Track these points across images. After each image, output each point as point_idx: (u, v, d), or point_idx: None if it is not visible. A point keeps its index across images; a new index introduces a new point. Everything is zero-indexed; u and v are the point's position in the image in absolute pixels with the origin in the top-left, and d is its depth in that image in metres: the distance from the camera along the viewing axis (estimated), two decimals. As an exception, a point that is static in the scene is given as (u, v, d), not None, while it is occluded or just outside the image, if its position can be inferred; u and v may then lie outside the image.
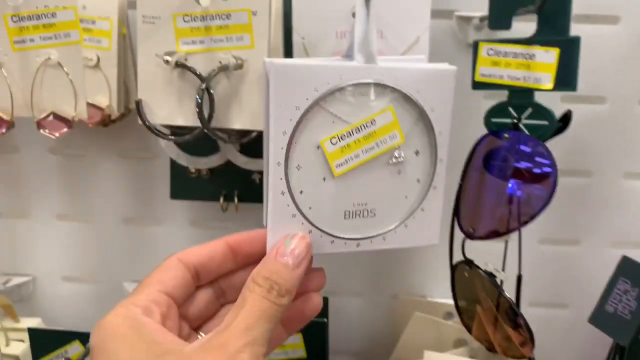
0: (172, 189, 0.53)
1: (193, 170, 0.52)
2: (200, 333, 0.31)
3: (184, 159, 0.50)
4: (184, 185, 0.52)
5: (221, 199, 0.52)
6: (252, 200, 0.53)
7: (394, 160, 0.37)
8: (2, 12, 0.41)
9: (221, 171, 0.52)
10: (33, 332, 0.48)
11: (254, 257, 0.31)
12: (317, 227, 0.37)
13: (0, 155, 0.57)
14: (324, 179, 0.37)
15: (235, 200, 0.52)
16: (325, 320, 0.51)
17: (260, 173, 0.52)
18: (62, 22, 0.41)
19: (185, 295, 0.30)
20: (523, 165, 0.39)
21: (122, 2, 0.48)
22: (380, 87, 0.36)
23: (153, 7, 0.38)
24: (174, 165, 0.52)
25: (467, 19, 0.49)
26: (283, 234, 0.37)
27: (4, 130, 0.43)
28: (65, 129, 0.43)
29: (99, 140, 0.56)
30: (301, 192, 0.37)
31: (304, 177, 0.37)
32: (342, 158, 0.37)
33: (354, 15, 0.44)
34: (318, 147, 0.36)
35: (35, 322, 0.57)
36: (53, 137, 0.43)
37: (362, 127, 0.36)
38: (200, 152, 0.50)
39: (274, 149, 0.36)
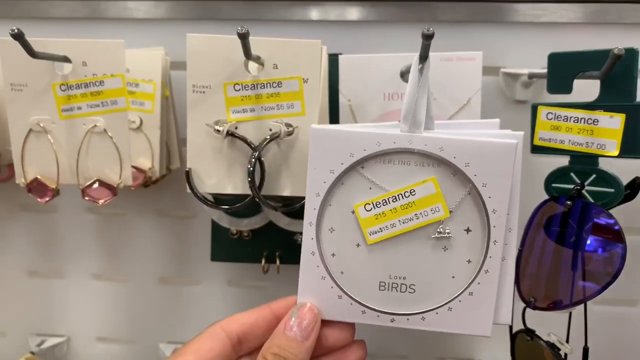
0: (213, 251, 0.52)
1: (234, 232, 0.50)
2: None
3: (225, 221, 0.49)
4: (224, 246, 0.51)
5: (263, 261, 0.51)
6: (293, 262, 0.51)
7: (437, 235, 0.35)
8: (51, 81, 0.41)
9: (262, 232, 0.50)
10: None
11: None
12: (347, 294, 0.35)
13: (38, 215, 0.57)
14: (358, 244, 0.35)
15: (277, 261, 0.51)
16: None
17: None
18: (109, 90, 0.41)
19: None
20: (588, 235, 0.37)
21: (165, 65, 0.48)
22: (423, 156, 0.34)
23: (203, 76, 0.38)
24: (215, 226, 0.51)
25: (514, 76, 0.48)
26: (312, 295, 0.35)
27: (47, 199, 0.42)
28: (110, 197, 0.42)
29: (138, 200, 0.55)
30: (333, 254, 0.35)
31: (337, 240, 0.35)
32: (377, 226, 0.35)
33: (402, 76, 0.43)
34: (353, 212, 0.35)
35: (69, 386, 0.55)
36: (97, 204, 0.42)
37: (400, 196, 0.35)
38: (242, 214, 0.49)
39: (307, 209, 0.35)
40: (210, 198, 0.41)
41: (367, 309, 0.35)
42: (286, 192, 0.40)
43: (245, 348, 0.31)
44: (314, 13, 0.50)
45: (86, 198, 0.42)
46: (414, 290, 0.36)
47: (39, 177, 0.42)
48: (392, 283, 0.35)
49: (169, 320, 0.58)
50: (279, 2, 0.51)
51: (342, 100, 0.44)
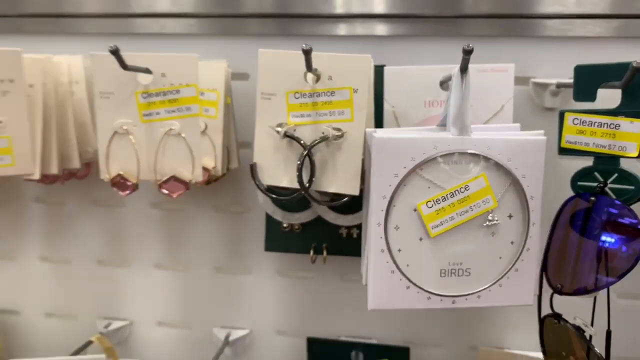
0: (267, 242, 0.57)
1: (286, 225, 0.56)
2: None
3: (279, 215, 0.55)
4: (277, 238, 0.57)
5: (311, 252, 0.56)
6: (338, 253, 0.56)
7: (488, 223, 0.40)
8: (134, 90, 0.47)
9: (311, 226, 0.56)
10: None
11: None
12: (414, 284, 0.41)
13: (108, 209, 0.63)
14: (421, 239, 0.41)
15: (324, 252, 0.56)
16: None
17: (347, 228, 0.56)
18: (184, 98, 0.47)
19: None
20: (610, 226, 0.41)
21: (227, 76, 0.54)
22: (473, 156, 0.40)
23: (270, 85, 0.44)
24: (269, 220, 0.56)
25: (543, 86, 0.52)
26: (384, 289, 0.41)
27: (128, 192, 0.48)
28: (183, 191, 0.48)
29: (197, 196, 0.61)
30: (399, 250, 0.41)
31: (402, 236, 0.41)
32: (438, 220, 0.40)
33: (441, 85, 0.48)
34: (415, 209, 0.40)
35: (133, 364, 0.61)
36: (172, 197, 0.48)
37: (456, 192, 0.40)
38: (293, 208, 0.55)
39: (374, 211, 0.40)
40: (262, 188, 0.46)
41: (432, 294, 0.40)
42: (332, 189, 0.45)
43: None
44: (342, 29, 0.56)
45: (164, 191, 0.48)
46: (470, 274, 0.41)
47: (121, 173, 0.48)
48: (451, 269, 0.41)
49: (223, 306, 0.64)
50: (306, 19, 0.56)
51: (387, 106, 0.49)
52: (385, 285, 0.41)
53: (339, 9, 0.55)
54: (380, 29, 0.55)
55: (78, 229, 0.65)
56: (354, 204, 0.48)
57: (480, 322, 0.60)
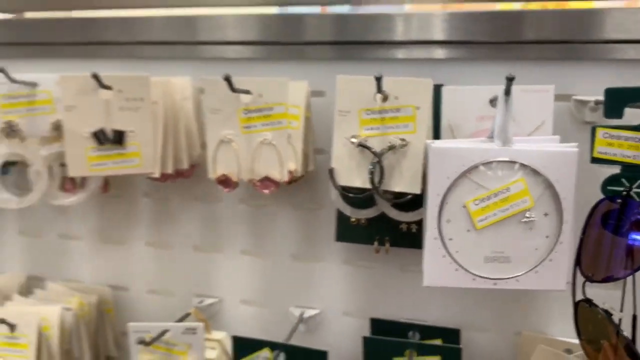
0: (338, 234, 0.67)
1: (354, 220, 0.66)
2: None
3: (348, 210, 0.65)
4: (346, 231, 0.67)
5: (375, 243, 0.66)
6: (399, 245, 0.66)
7: (525, 219, 0.49)
8: (237, 107, 0.58)
9: (376, 220, 0.65)
10: (237, 339, 0.64)
11: None
12: (462, 267, 0.50)
13: (206, 204, 0.76)
14: (468, 230, 0.50)
15: (386, 244, 0.66)
16: (461, 347, 0.62)
17: (408, 224, 0.65)
18: (276, 114, 0.58)
19: None
20: (635, 224, 0.48)
21: (307, 94, 0.65)
22: (513, 163, 0.48)
23: (346, 104, 0.54)
24: (339, 215, 0.67)
25: (583, 102, 0.60)
26: (436, 269, 0.50)
27: (230, 189, 0.60)
28: (273, 188, 0.59)
29: (278, 195, 0.73)
30: (450, 239, 0.50)
31: (453, 228, 0.50)
32: (483, 215, 0.49)
33: (491, 102, 0.57)
34: (464, 206, 0.50)
35: (222, 335, 0.73)
36: (265, 193, 0.59)
37: (499, 193, 0.49)
38: (360, 206, 0.64)
39: (430, 206, 0.50)
40: (339, 188, 0.56)
41: (477, 276, 0.49)
42: (397, 189, 0.55)
43: None
44: (400, 52, 0.65)
45: (258, 189, 0.59)
46: (510, 261, 0.50)
47: (225, 173, 0.60)
48: (494, 257, 0.50)
49: (297, 289, 0.75)
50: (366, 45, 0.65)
51: (444, 121, 0.58)
52: (438, 267, 0.50)
53: (400, 36, 0.64)
54: (438, 52, 0.64)
55: (179, 220, 0.77)
56: (413, 203, 0.57)
57: (525, 310, 0.67)
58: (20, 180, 0.68)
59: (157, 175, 0.62)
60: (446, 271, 0.50)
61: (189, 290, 0.79)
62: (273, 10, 0.73)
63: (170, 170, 0.64)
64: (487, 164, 0.49)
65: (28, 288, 0.82)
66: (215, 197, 0.75)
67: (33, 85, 0.63)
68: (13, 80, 0.60)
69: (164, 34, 0.71)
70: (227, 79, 0.53)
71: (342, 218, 0.67)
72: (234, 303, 0.78)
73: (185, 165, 0.66)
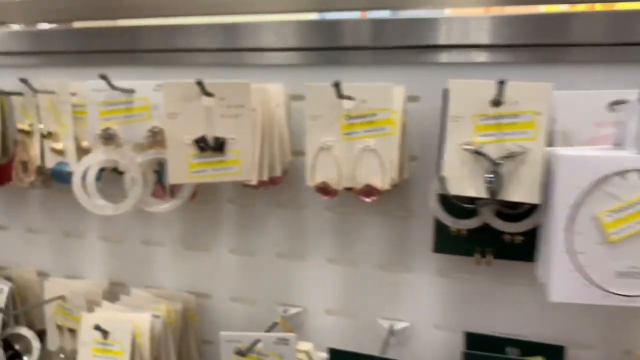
0: (435, 245, 0.65)
1: (454, 230, 0.63)
2: None
3: (449, 220, 0.62)
4: (445, 242, 0.64)
5: (477, 255, 0.63)
6: (502, 257, 0.63)
7: None
8: (338, 113, 0.57)
9: (477, 231, 0.63)
10: (333, 352, 0.62)
11: None
12: (592, 282, 0.47)
13: (290, 211, 0.75)
14: (600, 243, 0.47)
15: (488, 256, 0.63)
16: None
17: (511, 235, 0.62)
18: (380, 120, 0.56)
19: None
20: None
21: (405, 99, 0.63)
22: None
23: (459, 109, 0.52)
24: (438, 225, 0.64)
25: None
26: (565, 285, 0.47)
27: (330, 197, 0.58)
28: (376, 197, 0.57)
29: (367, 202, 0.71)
30: (580, 252, 0.47)
31: (582, 241, 0.47)
32: (617, 228, 0.46)
33: (610, 107, 0.53)
34: (595, 218, 0.46)
35: (309, 346, 0.72)
36: (366, 201, 0.57)
37: (635, 204, 0.46)
38: (462, 215, 0.62)
39: (558, 217, 0.47)
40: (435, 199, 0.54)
41: (608, 293, 0.46)
42: (515, 198, 0.52)
43: None
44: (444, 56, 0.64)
45: (360, 197, 0.57)
46: None
47: (325, 181, 0.58)
48: (628, 272, 0.46)
49: (385, 300, 0.72)
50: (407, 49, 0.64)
51: (557, 127, 0.55)
52: (566, 282, 0.47)
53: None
54: (482, 56, 0.62)
55: (263, 226, 0.77)
56: (520, 213, 0.54)
57: (636, 326, 0.63)
58: (107, 187, 0.69)
59: (254, 182, 0.62)
60: (575, 286, 0.47)
61: (273, 299, 0.78)
62: (312, 16, 0.72)
63: (266, 177, 0.63)
64: (622, 173, 0.45)
65: (112, 294, 0.83)
66: (301, 203, 0.74)
67: (131, 92, 0.63)
68: (113, 88, 0.61)
69: (203, 41, 0.72)
70: (337, 85, 0.52)
71: (440, 228, 0.64)
72: (319, 313, 0.76)
73: (278, 172, 0.65)
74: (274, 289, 0.78)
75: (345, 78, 0.63)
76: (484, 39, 0.61)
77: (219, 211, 0.78)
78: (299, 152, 0.71)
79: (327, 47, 0.68)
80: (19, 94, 0.75)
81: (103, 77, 0.59)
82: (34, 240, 0.90)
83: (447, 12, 0.70)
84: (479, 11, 0.66)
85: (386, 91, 0.55)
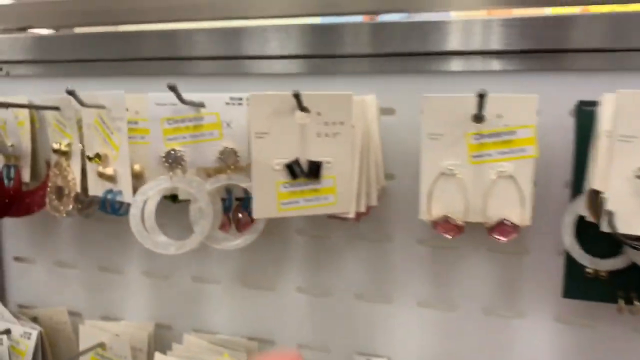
0: (567, 288, 0.54)
1: (591, 271, 0.52)
2: None
3: (586, 260, 0.51)
4: (579, 285, 0.53)
5: (620, 301, 0.52)
6: (650, 303, 0.52)
7: None
8: (465, 131, 0.46)
9: (621, 272, 0.52)
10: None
11: None
12: None
13: (373, 244, 0.64)
14: None
15: (636, 303, 0.52)
16: None
17: (664, 277, 0.51)
18: (520, 139, 0.45)
19: None
20: None
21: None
22: None
23: (629, 127, 0.41)
24: (570, 265, 0.53)
25: None
26: None
27: (453, 234, 0.47)
28: (514, 235, 0.46)
29: (472, 235, 0.60)
30: None
31: None
32: None
33: None
34: None
35: (398, 404, 0.60)
36: (502, 241, 0.46)
37: None
38: (603, 254, 0.51)
39: None
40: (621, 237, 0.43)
41: None
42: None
43: None
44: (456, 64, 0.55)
45: (495, 236, 0.47)
46: None
47: (448, 214, 0.47)
48: None
49: (493, 351, 0.61)
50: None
51: None
52: None
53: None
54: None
55: (340, 262, 0.65)
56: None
57: None
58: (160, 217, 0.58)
59: (351, 215, 0.51)
60: None
61: (351, 347, 0.66)
62: (315, 20, 0.63)
63: (364, 208, 0.52)
64: None
65: (158, 339, 0.72)
66: (386, 235, 0.63)
67: (200, 106, 0.52)
68: (183, 101, 0.50)
69: (203, 48, 0.64)
70: (481, 96, 0.41)
71: (572, 268, 0.53)
72: (407, 364, 0.65)
73: (374, 201, 0.54)
74: (352, 336, 0.66)
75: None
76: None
77: (286, 243, 0.67)
78: (387, 176, 0.60)
79: (325, 55, 0.60)
80: (55, 108, 0.64)
81: (172, 87, 0.48)
82: (64, 276, 0.78)
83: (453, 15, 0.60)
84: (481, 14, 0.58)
85: (528, 103, 0.45)
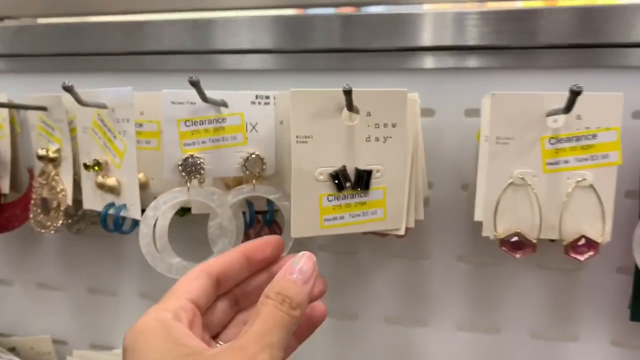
0: (635, 310, 0.48)
1: (663, 291, 0.47)
2: (219, 342, 0.33)
3: (661, 279, 0.46)
4: (649, 307, 0.48)
5: (698, 325, 0.47)
6: None
7: None
8: (540, 135, 0.40)
9: (697, 293, 0.46)
10: None
11: (265, 263, 0.35)
12: None
13: (407, 261, 0.57)
14: None
15: None
16: None
17: None
18: (602, 144, 0.40)
19: (207, 304, 0.32)
20: None
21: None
22: None
23: None
24: (638, 284, 0.48)
25: None
26: None
27: (522, 253, 0.41)
28: (592, 254, 0.40)
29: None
30: None
31: None
32: None
33: None
34: None
35: None
36: (581, 260, 0.40)
37: None
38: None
39: None
40: None
41: None
42: None
43: (222, 288, 0.34)
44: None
45: (572, 255, 0.40)
46: None
47: (519, 230, 0.41)
48: None
49: (541, 378, 0.55)
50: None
51: None
52: None
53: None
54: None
55: (368, 282, 0.59)
56: None
57: None
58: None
59: (401, 232, 0.44)
60: None
61: (380, 376, 0.60)
62: (289, 12, 0.59)
63: (413, 224, 0.45)
64: None
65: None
66: (421, 251, 0.56)
67: (223, 105, 0.45)
68: (206, 100, 0.42)
69: (172, 41, 0.57)
70: (575, 93, 0.35)
71: (642, 288, 0.48)
72: (444, 394, 0.58)
73: (421, 214, 0.47)
74: (382, 362, 0.60)
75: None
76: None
77: (307, 261, 0.60)
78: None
79: (291, 50, 0.54)
80: (42, 108, 0.55)
81: (194, 83, 0.40)
82: (48, 299, 0.69)
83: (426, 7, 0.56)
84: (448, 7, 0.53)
85: (612, 102, 0.39)
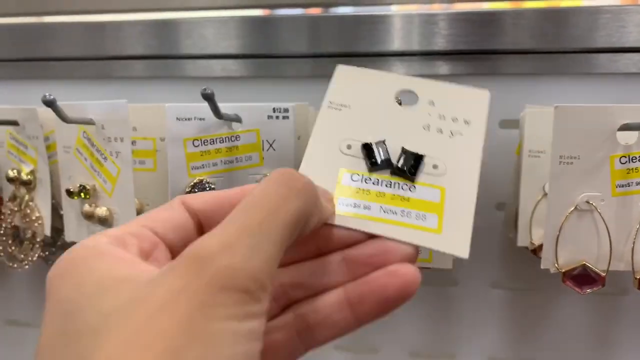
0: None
1: None
2: None
3: None
4: None
5: None
6: None
7: None
8: (609, 153, 0.35)
9: None
10: None
11: None
12: None
13: (438, 288, 0.51)
14: None
15: None
16: None
17: None
18: (679, 162, 0.35)
19: (183, 240, 0.24)
20: None
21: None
22: None
23: None
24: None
25: None
26: None
27: (591, 288, 0.36)
28: (671, 288, 0.36)
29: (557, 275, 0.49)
30: None
31: None
32: None
33: None
34: None
35: None
36: (657, 296, 0.36)
37: None
38: None
39: None
40: None
41: None
42: None
43: (207, 229, 0.24)
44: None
45: (648, 289, 0.36)
46: None
47: (586, 263, 0.36)
48: None
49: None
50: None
51: None
52: None
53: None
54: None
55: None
56: None
57: None
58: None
59: (465, 256, 0.38)
60: None
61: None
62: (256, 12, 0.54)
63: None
64: None
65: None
66: (449, 277, 0.51)
67: (237, 121, 0.38)
68: (220, 115, 0.36)
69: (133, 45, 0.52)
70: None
71: None
72: None
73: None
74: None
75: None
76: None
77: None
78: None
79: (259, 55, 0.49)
80: (12, 123, 0.47)
81: (207, 96, 0.33)
82: (19, 337, 0.61)
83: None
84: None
85: (691, 116, 0.34)
